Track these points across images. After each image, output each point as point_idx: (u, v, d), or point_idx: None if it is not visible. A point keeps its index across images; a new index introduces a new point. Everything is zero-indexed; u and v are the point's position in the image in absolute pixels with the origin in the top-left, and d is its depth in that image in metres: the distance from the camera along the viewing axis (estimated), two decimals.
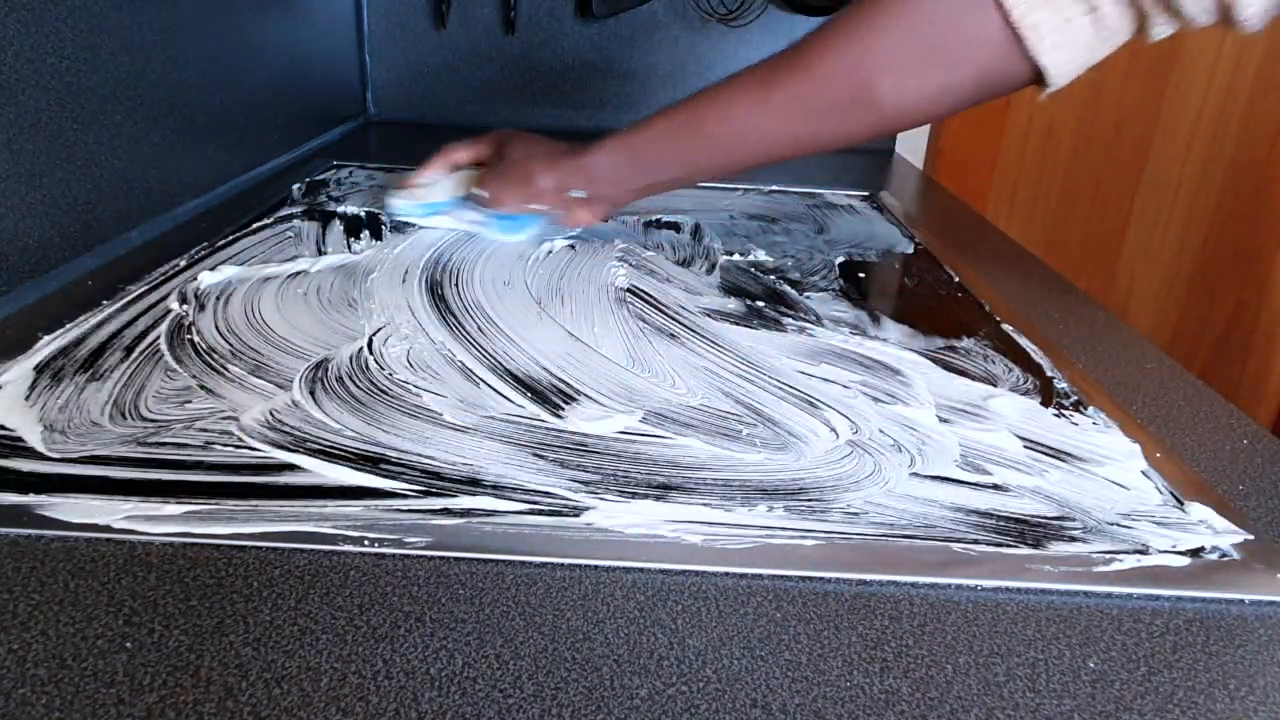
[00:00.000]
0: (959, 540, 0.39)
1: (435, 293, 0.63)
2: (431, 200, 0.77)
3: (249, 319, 0.57)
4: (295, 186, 0.88)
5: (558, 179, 0.64)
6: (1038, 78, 0.54)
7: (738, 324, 0.61)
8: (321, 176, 0.93)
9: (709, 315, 0.62)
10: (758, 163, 0.59)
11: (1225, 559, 0.39)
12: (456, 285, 0.65)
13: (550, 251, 0.72)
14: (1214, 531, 0.41)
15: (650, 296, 0.65)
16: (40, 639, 0.31)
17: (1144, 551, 0.39)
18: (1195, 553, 0.39)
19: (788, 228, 0.85)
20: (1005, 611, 0.35)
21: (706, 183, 0.65)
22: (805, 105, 0.56)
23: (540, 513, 0.39)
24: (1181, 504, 0.43)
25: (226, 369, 0.50)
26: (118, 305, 0.58)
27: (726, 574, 0.36)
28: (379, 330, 0.56)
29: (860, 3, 0.55)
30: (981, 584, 0.36)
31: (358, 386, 0.49)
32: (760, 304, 0.65)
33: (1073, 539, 0.40)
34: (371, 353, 0.53)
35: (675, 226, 0.82)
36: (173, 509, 0.38)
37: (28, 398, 0.46)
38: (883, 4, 0.54)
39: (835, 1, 1.18)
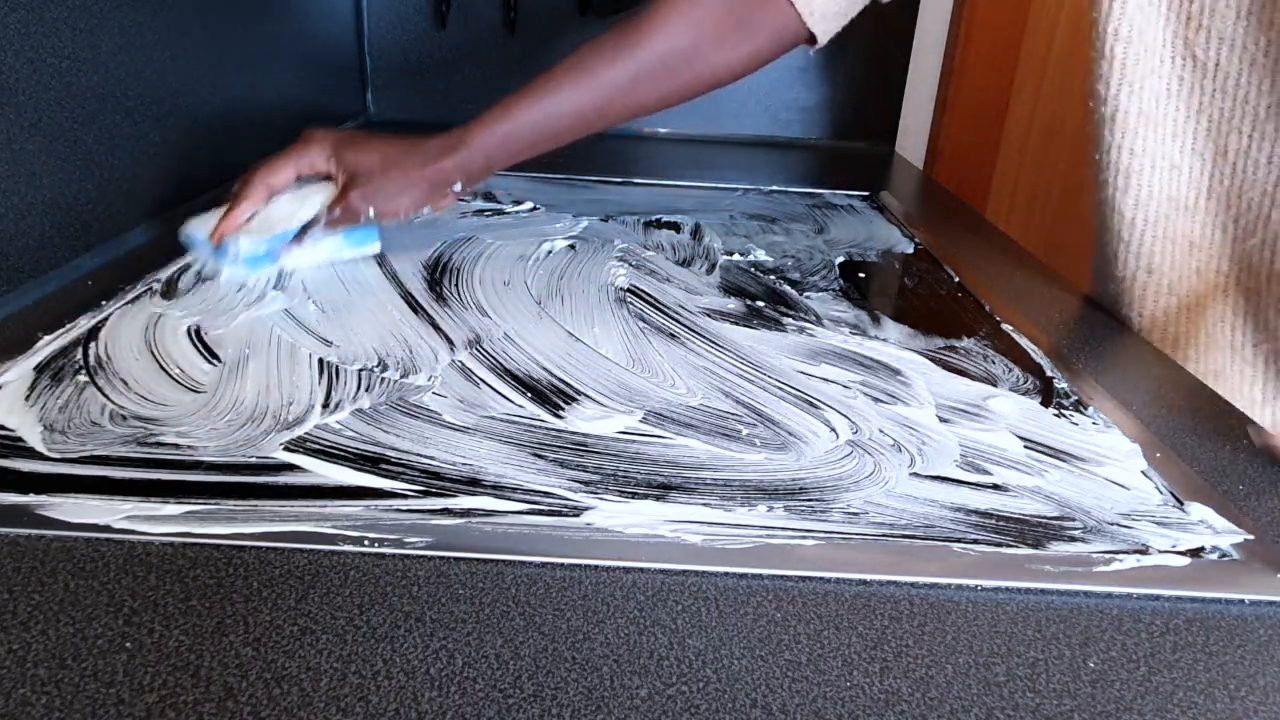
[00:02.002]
0: (959, 540, 0.39)
1: (435, 292, 0.63)
2: (274, 235, 0.63)
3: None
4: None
5: (442, 176, 0.64)
6: (810, 39, 0.67)
7: (738, 324, 0.61)
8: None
9: (709, 315, 0.62)
10: (602, 127, 0.67)
11: (1225, 559, 0.39)
12: (457, 285, 0.65)
13: (550, 252, 0.73)
14: (1214, 531, 0.41)
15: (650, 296, 0.65)
16: (40, 639, 0.31)
17: (1144, 551, 0.39)
18: (1195, 553, 0.39)
19: (788, 228, 0.85)
20: (1005, 611, 0.35)
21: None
22: (649, 73, 0.65)
23: (540, 513, 0.39)
24: (1181, 504, 0.43)
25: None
26: (118, 305, 0.58)
27: (726, 574, 0.36)
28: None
29: None
30: (981, 584, 0.36)
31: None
32: (760, 304, 0.65)
33: (1073, 539, 0.40)
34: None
35: (675, 226, 0.82)
36: (173, 509, 0.38)
37: (28, 398, 0.46)
38: None
39: None
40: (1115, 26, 0.61)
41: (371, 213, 0.63)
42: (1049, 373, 0.56)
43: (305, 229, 0.63)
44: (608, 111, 0.65)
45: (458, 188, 0.65)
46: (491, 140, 0.64)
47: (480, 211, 0.84)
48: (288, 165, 0.63)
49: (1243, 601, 0.36)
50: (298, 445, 0.43)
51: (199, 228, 0.64)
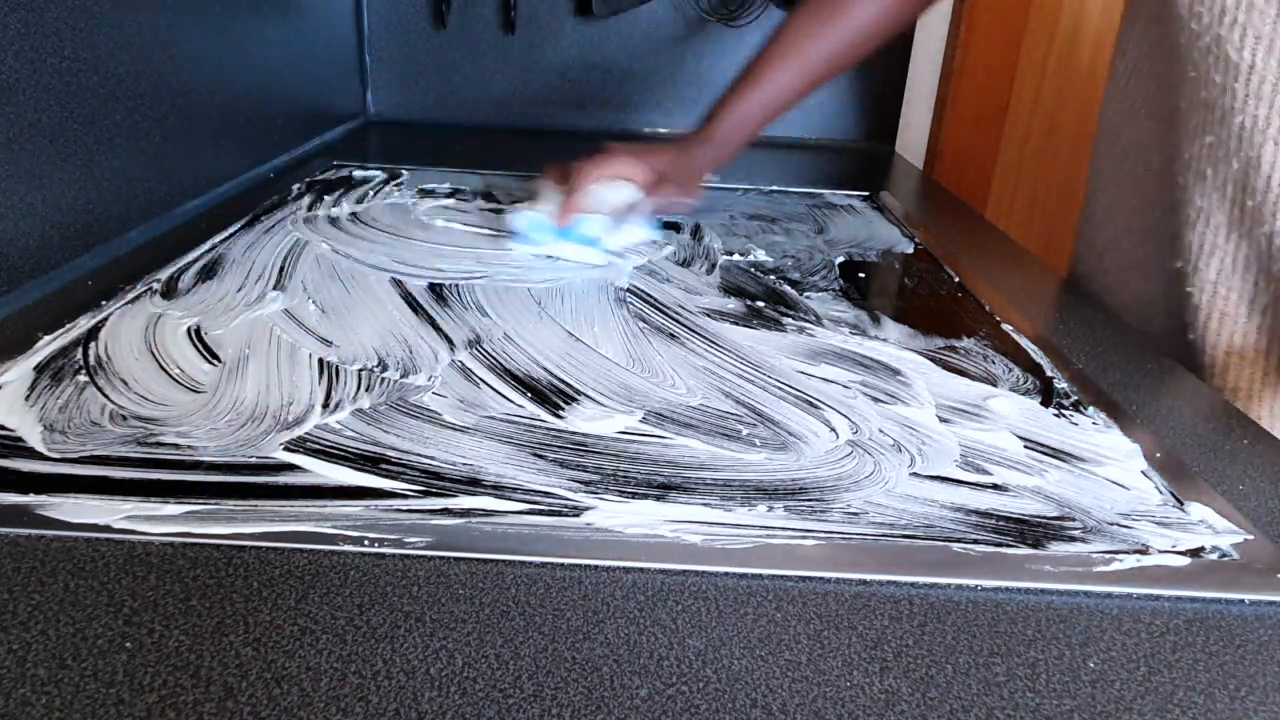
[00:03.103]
0: (959, 540, 0.39)
1: (435, 293, 0.63)
2: (608, 217, 0.73)
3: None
4: (295, 186, 0.88)
5: (703, 168, 0.76)
6: None
7: (738, 324, 0.61)
8: (321, 176, 0.93)
9: (709, 315, 0.62)
10: (812, 92, 0.78)
11: (1225, 559, 0.39)
12: (457, 286, 0.65)
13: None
14: (1214, 531, 0.41)
15: (650, 296, 0.65)
16: (40, 639, 0.31)
17: (1144, 551, 0.39)
18: (1195, 553, 0.39)
19: (788, 228, 0.85)
20: (1005, 611, 0.35)
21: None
22: (850, 44, 0.76)
23: (540, 513, 0.39)
24: (1181, 504, 0.43)
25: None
26: (118, 305, 0.58)
27: (726, 574, 0.36)
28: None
29: None
30: (981, 584, 0.36)
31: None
32: (760, 304, 0.65)
33: (1073, 539, 0.40)
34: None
35: (675, 226, 0.82)
36: (173, 509, 0.38)
37: (28, 398, 0.46)
38: None
39: None
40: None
41: (679, 199, 0.76)
42: (1049, 373, 0.56)
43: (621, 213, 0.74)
44: (819, 83, 0.76)
45: (709, 175, 0.78)
46: (730, 129, 0.75)
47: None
48: (604, 164, 0.73)
49: (1243, 601, 0.36)
50: (298, 445, 0.43)
51: (533, 215, 0.74)
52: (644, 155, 0.75)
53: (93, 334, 0.53)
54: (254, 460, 0.42)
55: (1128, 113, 0.67)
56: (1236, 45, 0.54)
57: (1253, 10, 0.53)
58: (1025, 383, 0.55)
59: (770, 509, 0.40)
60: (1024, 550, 0.39)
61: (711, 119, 0.76)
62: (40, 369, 0.49)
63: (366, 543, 0.36)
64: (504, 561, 0.36)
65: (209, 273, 0.64)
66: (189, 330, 0.55)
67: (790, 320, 0.62)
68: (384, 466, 0.42)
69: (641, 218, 0.75)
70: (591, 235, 0.72)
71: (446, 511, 0.39)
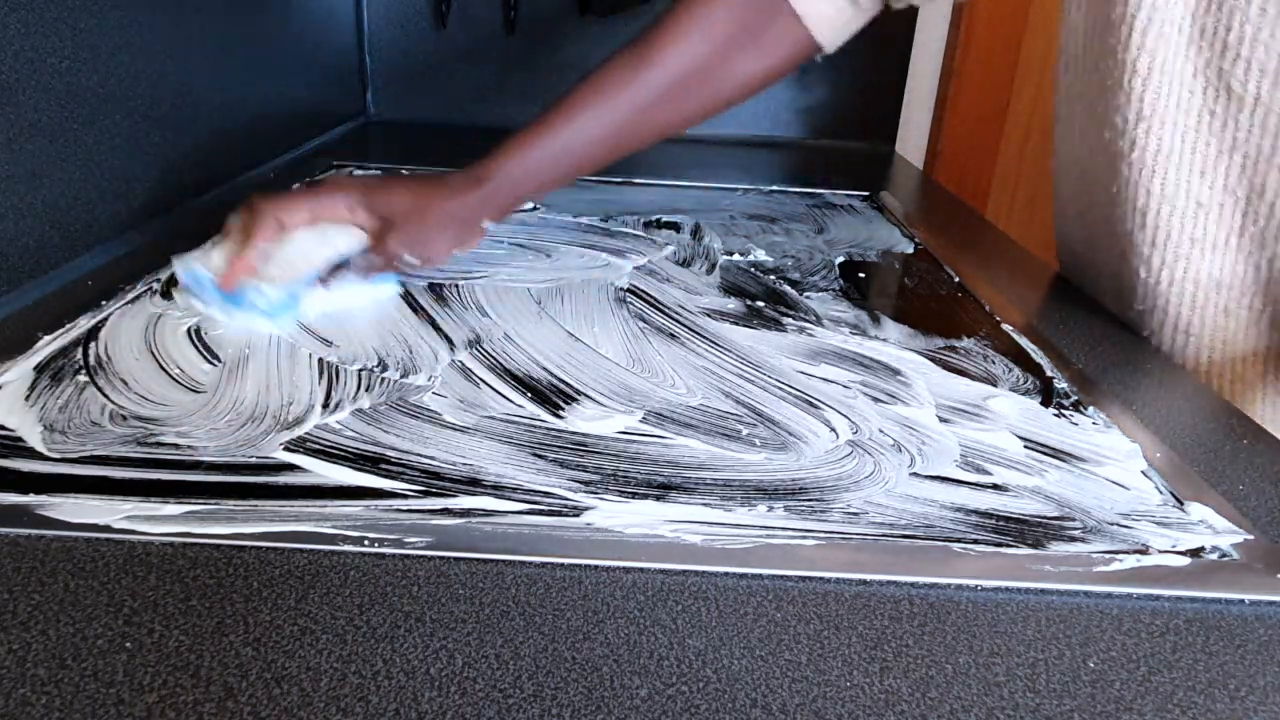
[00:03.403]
0: (959, 540, 0.39)
1: (435, 293, 0.63)
2: (295, 280, 0.57)
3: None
4: (295, 186, 0.88)
5: (472, 214, 0.62)
6: (818, 50, 0.66)
7: (738, 324, 0.61)
8: (322, 176, 0.93)
9: (709, 315, 0.62)
10: (627, 151, 0.65)
11: (1225, 559, 0.39)
12: (457, 286, 0.65)
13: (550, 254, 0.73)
14: (1214, 531, 0.41)
15: (650, 296, 0.65)
16: (40, 639, 0.31)
17: (1144, 551, 0.39)
18: (1195, 553, 0.39)
19: (788, 228, 0.85)
20: (1005, 611, 0.35)
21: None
22: (665, 93, 0.63)
23: (540, 513, 0.39)
24: (1181, 504, 0.43)
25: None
26: (118, 305, 0.58)
27: (726, 574, 0.36)
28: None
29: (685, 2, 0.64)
30: (981, 584, 0.36)
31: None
32: (760, 304, 0.65)
33: (1073, 539, 0.40)
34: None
35: (675, 226, 0.82)
36: (173, 509, 0.38)
37: (28, 398, 0.46)
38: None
39: None
40: (1133, 57, 0.56)
41: (409, 259, 0.60)
42: (1049, 373, 0.56)
43: (325, 275, 0.59)
44: (628, 135, 0.64)
45: (487, 224, 0.63)
46: (516, 172, 0.62)
47: None
48: (302, 205, 0.58)
49: (1243, 601, 0.36)
50: (298, 445, 0.43)
51: (199, 265, 0.57)
52: (373, 192, 0.59)
53: (93, 334, 0.53)
54: (254, 460, 0.42)
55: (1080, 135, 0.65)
56: (1241, 79, 0.54)
57: (1257, 45, 0.52)
58: (1025, 383, 0.55)
59: (770, 509, 0.40)
60: (1024, 550, 0.39)
61: (493, 155, 0.62)
62: (40, 369, 0.49)
63: (366, 543, 0.36)
64: (504, 561, 0.36)
65: None
66: (189, 330, 0.55)
67: (790, 320, 0.62)
68: (384, 466, 0.42)
69: (357, 278, 0.60)
70: (271, 304, 0.56)
71: (446, 511, 0.39)
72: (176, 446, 0.42)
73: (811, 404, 0.50)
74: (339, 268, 0.59)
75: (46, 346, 0.51)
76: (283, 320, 0.56)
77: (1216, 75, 0.55)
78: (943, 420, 0.49)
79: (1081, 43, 0.63)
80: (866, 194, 1.00)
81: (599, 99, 0.62)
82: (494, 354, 0.54)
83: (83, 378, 0.48)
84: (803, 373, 0.54)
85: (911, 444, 0.47)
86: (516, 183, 0.63)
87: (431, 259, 0.62)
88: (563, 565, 0.36)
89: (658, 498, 0.41)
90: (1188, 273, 0.60)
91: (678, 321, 0.61)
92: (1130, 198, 0.60)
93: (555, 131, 0.62)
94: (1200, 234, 0.58)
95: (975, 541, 0.39)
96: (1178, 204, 0.58)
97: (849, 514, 0.40)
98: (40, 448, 0.42)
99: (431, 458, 0.43)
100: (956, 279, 0.73)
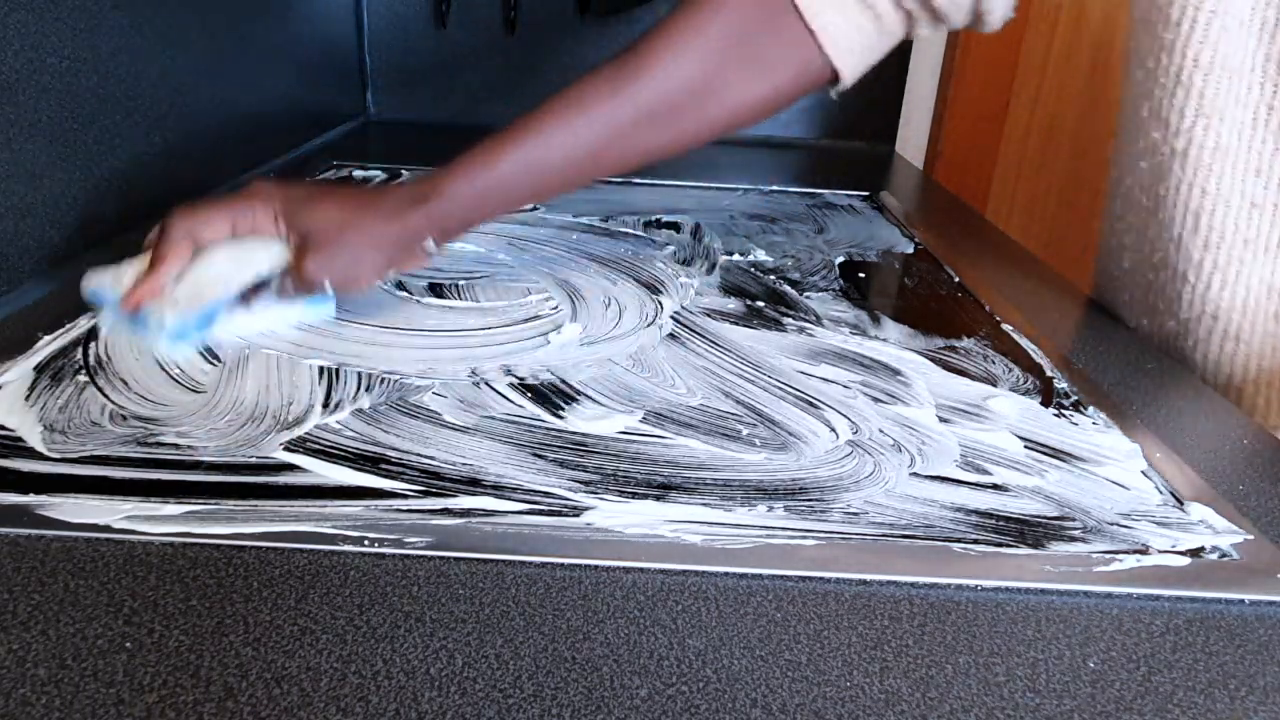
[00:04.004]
0: (959, 540, 0.39)
1: (436, 292, 0.63)
2: (206, 304, 0.52)
3: None
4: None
5: (410, 234, 0.54)
6: (834, 77, 0.59)
7: (738, 324, 0.61)
8: (321, 176, 0.93)
9: (709, 315, 0.62)
10: (600, 176, 0.59)
11: (1225, 559, 0.39)
12: (456, 285, 0.65)
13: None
14: (1214, 531, 0.41)
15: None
16: (40, 639, 0.31)
17: (1144, 551, 0.39)
18: (1195, 553, 0.39)
19: (788, 228, 0.85)
20: (1005, 611, 0.35)
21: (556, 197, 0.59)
22: (651, 112, 0.56)
23: (540, 513, 0.39)
24: (1181, 504, 0.43)
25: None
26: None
27: (726, 574, 0.36)
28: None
29: (683, 9, 0.56)
30: (981, 584, 0.36)
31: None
32: (760, 304, 0.65)
33: (1073, 539, 0.40)
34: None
35: (675, 226, 0.82)
36: (173, 509, 0.38)
37: (28, 398, 0.46)
38: (707, 9, 0.56)
39: None
40: (1196, 52, 0.55)
41: (328, 284, 0.53)
42: (1049, 373, 0.56)
43: (246, 295, 0.54)
44: (604, 157, 0.56)
45: (430, 246, 0.55)
46: (469, 190, 0.55)
47: None
48: (221, 219, 0.53)
49: (1243, 601, 0.36)
50: (298, 445, 0.43)
51: (107, 283, 0.52)
52: (297, 205, 0.53)
53: (93, 334, 0.53)
54: (254, 460, 0.42)
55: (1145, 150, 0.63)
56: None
57: None
58: (1025, 383, 0.55)
59: (770, 509, 0.40)
60: (1024, 550, 0.39)
61: (447, 169, 0.55)
62: (40, 369, 0.49)
63: (366, 543, 0.36)
64: (504, 561, 0.36)
65: None
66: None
67: (790, 320, 0.62)
68: (384, 466, 0.42)
69: (277, 300, 0.54)
70: (176, 328, 0.51)
71: (446, 511, 0.39)
72: (176, 446, 0.42)
73: (811, 404, 0.50)
74: (261, 286, 0.54)
75: (46, 346, 0.51)
76: (187, 343, 0.52)
77: (1277, 69, 0.53)
78: (943, 420, 0.49)
79: (1140, 38, 0.61)
80: (866, 194, 1.00)
81: (573, 114, 0.55)
82: (494, 354, 0.54)
83: (83, 378, 0.48)
84: (803, 373, 0.54)
85: (911, 444, 0.47)
86: (468, 204, 0.55)
87: (351, 284, 0.54)
88: (563, 565, 0.36)
89: (658, 498, 0.41)
90: (1239, 276, 0.58)
91: (678, 321, 0.61)
92: (1182, 199, 0.58)
93: (519, 147, 0.55)
94: (1254, 235, 0.56)
95: (975, 541, 0.39)
96: (1232, 203, 0.57)
97: (849, 514, 0.40)
98: (40, 448, 0.42)
99: (431, 458, 0.43)
100: (956, 279, 0.73)
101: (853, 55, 0.57)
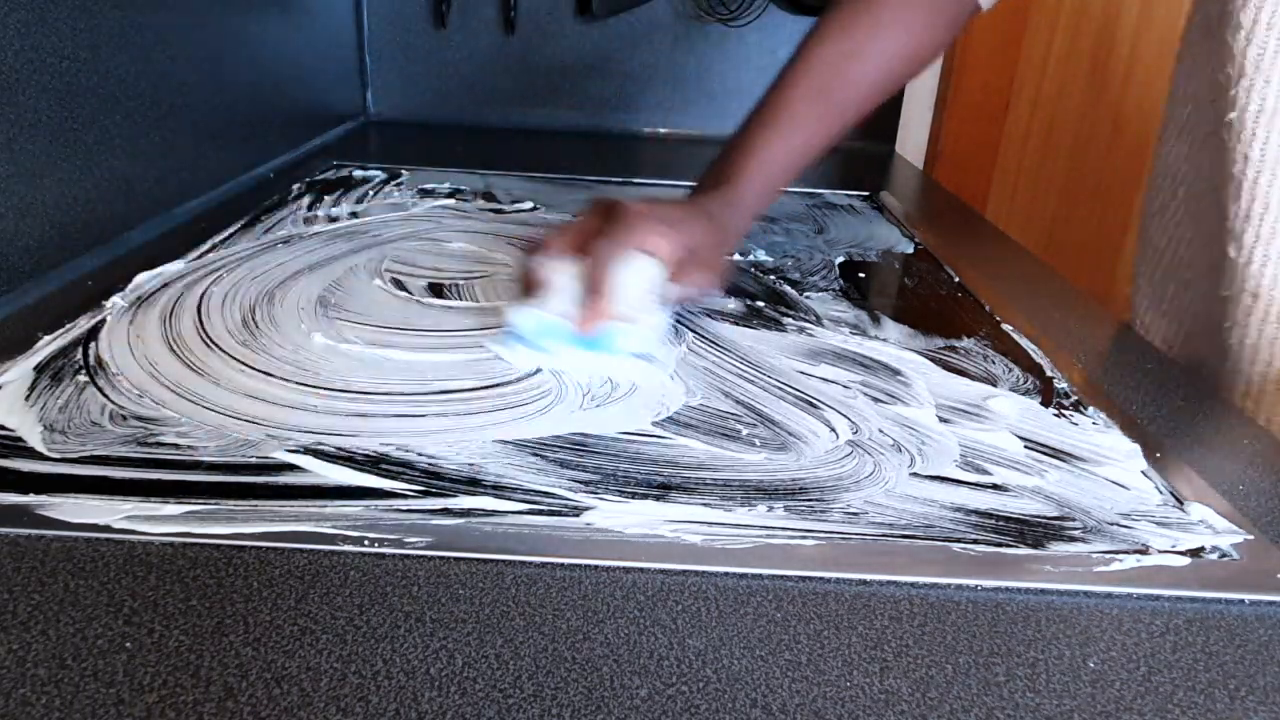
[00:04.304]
0: (959, 540, 0.39)
1: (436, 292, 0.63)
2: (645, 317, 0.54)
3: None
4: (295, 186, 0.88)
5: (735, 237, 0.62)
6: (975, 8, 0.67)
7: (738, 324, 0.61)
8: (321, 176, 0.93)
9: (709, 315, 0.62)
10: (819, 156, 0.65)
11: (1225, 559, 0.39)
12: (456, 284, 0.65)
13: None
14: (1214, 531, 0.41)
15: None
16: (40, 639, 0.31)
17: (1144, 551, 0.39)
18: (1195, 553, 0.39)
19: (788, 228, 0.85)
20: (1005, 611, 0.35)
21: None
22: (879, 84, 0.65)
23: (540, 513, 0.39)
24: (1181, 504, 0.43)
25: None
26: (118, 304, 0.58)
27: (726, 574, 0.36)
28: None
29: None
30: (981, 584, 0.36)
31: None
32: (760, 304, 0.65)
33: (1073, 539, 0.40)
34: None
35: None
36: (173, 509, 0.38)
37: (28, 398, 0.46)
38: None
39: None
40: (1238, 7, 0.54)
41: (709, 289, 0.60)
42: (1049, 373, 0.56)
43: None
44: (847, 128, 0.64)
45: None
46: (762, 189, 0.62)
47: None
48: (619, 245, 0.53)
49: (1243, 601, 0.36)
50: (298, 445, 0.43)
51: (536, 318, 0.53)
52: (677, 225, 0.55)
53: (93, 334, 0.53)
54: (254, 460, 0.42)
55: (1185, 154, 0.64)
56: None
57: None
58: (1025, 383, 0.55)
59: (770, 509, 0.40)
60: (1024, 550, 0.39)
61: (736, 173, 0.60)
62: (40, 369, 0.49)
63: (366, 543, 0.36)
64: (504, 561, 0.36)
65: None
66: (191, 327, 0.55)
67: (790, 320, 0.62)
68: (384, 466, 0.42)
69: (661, 308, 0.56)
70: (622, 345, 0.53)
71: (446, 511, 0.39)
72: (176, 446, 0.42)
73: (811, 404, 0.50)
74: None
75: (46, 346, 0.51)
76: (634, 353, 0.54)
77: None
78: (943, 420, 0.49)
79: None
80: (866, 194, 1.00)
81: (820, 102, 0.62)
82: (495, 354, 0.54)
83: (83, 378, 0.48)
84: (803, 373, 0.54)
85: (911, 444, 0.47)
86: (760, 201, 0.62)
87: (717, 281, 0.61)
88: (563, 565, 0.36)
89: (658, 498, 0.41)
90: None
91: (678, 321, 0.61)
92: (1224, 167, 0.57)
93: (785, 136, 0.61)
94: None
95: (975, 541, 0.39)
96: (1278, 172, 0.56)
97: (849, 514, 0.40)
98: (40, 448, 0.42)
99: (432, 457, 0.43)
100: (956, 279, 0.73)
101: None
